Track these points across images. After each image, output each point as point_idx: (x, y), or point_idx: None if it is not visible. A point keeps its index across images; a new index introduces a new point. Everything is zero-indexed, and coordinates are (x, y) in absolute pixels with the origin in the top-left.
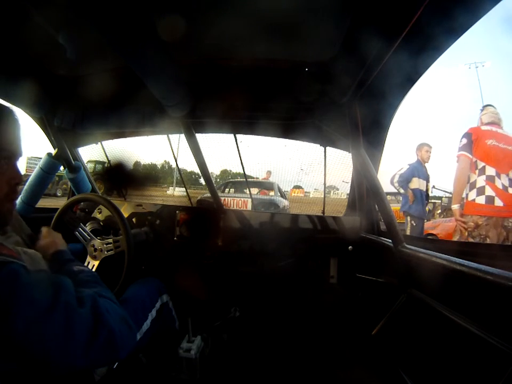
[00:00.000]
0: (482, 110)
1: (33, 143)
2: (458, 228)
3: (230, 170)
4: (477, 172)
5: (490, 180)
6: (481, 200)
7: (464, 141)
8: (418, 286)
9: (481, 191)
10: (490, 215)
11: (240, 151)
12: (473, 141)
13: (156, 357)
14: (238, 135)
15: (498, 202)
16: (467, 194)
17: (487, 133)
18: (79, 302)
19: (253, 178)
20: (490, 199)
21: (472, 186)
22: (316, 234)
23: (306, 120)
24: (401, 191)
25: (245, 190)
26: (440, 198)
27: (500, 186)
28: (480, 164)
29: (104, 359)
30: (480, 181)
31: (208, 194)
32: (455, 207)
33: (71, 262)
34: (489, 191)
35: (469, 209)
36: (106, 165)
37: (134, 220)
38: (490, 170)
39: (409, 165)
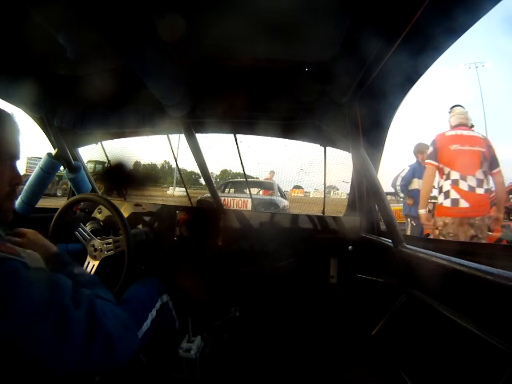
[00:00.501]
0: (450, 112)
1: (33, 143)
2: (430, 229)
3: (230, 170)
4: (444, 177)
5: (455, 183)
6: (447, 203)
7: (431, 149)
8: (418, 286)
9: (447, 195)
10: (456, 216)
11: (240, 151)
12: (438, 148)
13: (155, 357)
14: (238, 135)
15: (463, 204)
16: (437, 198)
17: (451, 138)
18: (76, 303)
19: (253, 178)
20: (455, 202)
21: (440, 190)
22: (316, 234)
23: (306, 120)
24: (401, 195)
25: (245, 190)
26: None
27: (466, 188)
28: (446, 170)
29: (103, 363)
30: (446, 185)
31: (208, 194)
32: (421, 211)
33: (71, 264)
34: (454, 195)
35: (439, 211)
36: (106, 165)
37: (134, 220)
38: (455, 175)
39: (410, 166)
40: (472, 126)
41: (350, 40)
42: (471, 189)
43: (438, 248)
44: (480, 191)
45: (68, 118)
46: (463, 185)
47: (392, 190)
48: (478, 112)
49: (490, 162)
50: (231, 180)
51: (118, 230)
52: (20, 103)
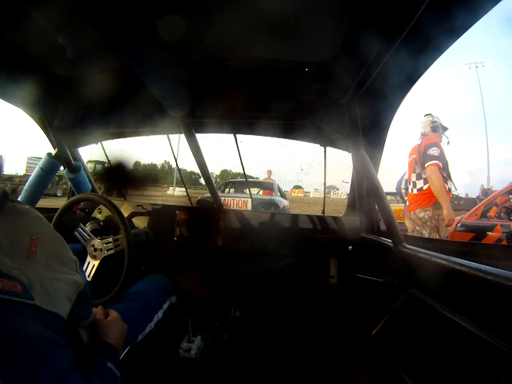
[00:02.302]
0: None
1: (33, 143)
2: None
3: (230, 170)
4: None
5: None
6: None
7: None
8: (418, 286)
9: None
10: (406, 211)
11: (240, 151)
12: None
13: (156, 357)
14: (238, 135)
15: (407, 202)
16: None
17: (409, 153)
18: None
19: (253, 178)
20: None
21: None
22: (316, 234)
23: (306, 120)
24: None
25: (245, 190)
26: None
27: (409, 190)
28: None
29: None
30: None
31: (208, 194)
32: None
33: (108, 361)
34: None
35: None
36: (106, 165)
37: (134, 220)
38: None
39: None
40: (435, 128)
41: (350, 40)
42: (410, 190)
43: (438, 248)
44: (414, 191)
45: (67, 118)
46: (409, 189)
47: (392, 190)
48: (478, 112)
49: (421, 163)
50: (231, 180)
51: (118, 229)
52: (20, 103)
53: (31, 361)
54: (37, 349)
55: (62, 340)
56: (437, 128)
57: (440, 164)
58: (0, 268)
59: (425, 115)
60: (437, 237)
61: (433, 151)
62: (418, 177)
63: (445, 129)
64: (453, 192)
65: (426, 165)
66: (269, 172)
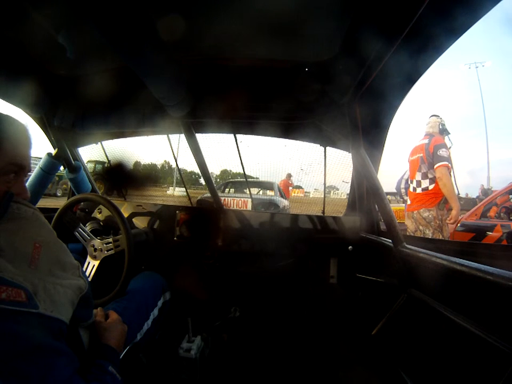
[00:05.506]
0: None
1: (33, 143)
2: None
3: (230, 170)
4: None
5: (408, 187)
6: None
7: None
8: (418, 286)
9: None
10: (406, 211)
11: (240, 151)
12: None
13: (156, 357)
14: (238, 135)
15: (408, 201)
16: None
17: (411, 152)
18: None
19: (253, 178)
20: (406, 200)
21: None
22: (316, 234)
23: (306, 120)
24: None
25: (245, 190)
26: None
27: (411, 189)
28: None
29: None
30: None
31: (208, 194)
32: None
33: (109, 364)
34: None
35: None
36: (106, 165)
37: (134, 220)
38: (409, 180)
39: None
40: (442, 131)
41: (350, 40)
42: (413, 189)
43: (438, 248)
44: (418, 190)
45: (67, 118)
46: (410, 188)
47: (392, 190)
48: (478, 112)
49: (429, 163)
50: (231, 180)
51: (118, 229)
52: (20, 103)
53: (35, 371)
54: (41, 357)
55: (65, 345)
56: (444, 130)
57: (449, 165)
58: (3, 275)
59: (432, 115)
60: (440, 237)
61: (443, 152)
62: (424, 176)
63: (448, 133)
64: None
65: (436, 166)
66: (288, 176)
